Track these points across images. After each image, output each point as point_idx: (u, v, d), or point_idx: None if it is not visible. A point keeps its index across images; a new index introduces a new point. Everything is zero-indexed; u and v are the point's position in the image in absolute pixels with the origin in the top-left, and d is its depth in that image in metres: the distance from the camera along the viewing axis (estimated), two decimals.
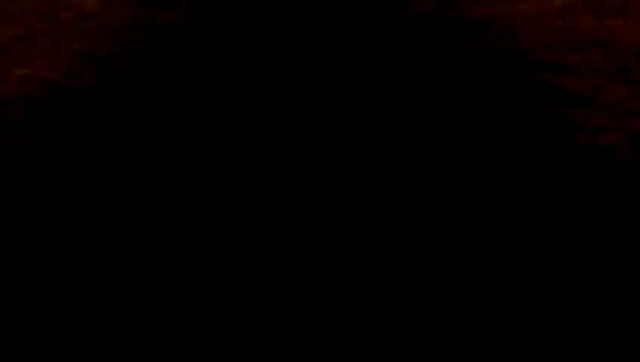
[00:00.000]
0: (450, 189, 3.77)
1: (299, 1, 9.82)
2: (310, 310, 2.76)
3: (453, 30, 7.73)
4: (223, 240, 3.28)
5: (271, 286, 2.92)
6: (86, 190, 3.80)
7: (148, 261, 3.10)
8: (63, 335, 2.60)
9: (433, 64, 6.33)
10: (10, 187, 3.85)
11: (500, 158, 4.16)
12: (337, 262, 3.09)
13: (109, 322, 2.68)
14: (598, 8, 8.60)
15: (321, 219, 3.48)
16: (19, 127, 4.79)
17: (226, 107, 5.21)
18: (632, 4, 8.75)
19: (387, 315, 2.72)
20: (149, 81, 5.91)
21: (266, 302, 2.81)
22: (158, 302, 2.80)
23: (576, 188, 3.75)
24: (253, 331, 2.63)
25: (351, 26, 8.14)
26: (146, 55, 6.79)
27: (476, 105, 5.16)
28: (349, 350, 2.53)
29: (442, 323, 2.67)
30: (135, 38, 7.53)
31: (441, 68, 6.20)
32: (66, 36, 7.50)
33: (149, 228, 3.39)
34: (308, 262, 3.09)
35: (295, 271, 3.02)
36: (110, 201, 3.67)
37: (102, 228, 3.38)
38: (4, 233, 3.34)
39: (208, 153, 4.31)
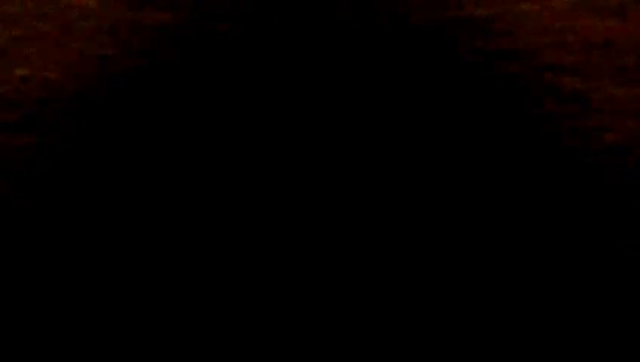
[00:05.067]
0: (450, 188, 3.77)
1: (298, 1, 9.82)
2: (310, 309, 2.76)
3: (453, 30, 7.73)
4: (223, 240, 3.28)
5: (270, 285, 2.92)
6: (86, 190, 3.80)
7: (148, 261, 3.10)
8: (63, 335, 2.60)
9: (434, 64, 6.33)
10: (10, 187, 3.85)
11: (500, 158, 4.16)
12: (337, 262, 3.09)
13: (109, 322, 2.68)
14: (598, 8, 8.60)
15: (321, 219, 3.48)
16: (19, 127, 4.79)
17: (226, 106, 5.21)
18: (631, 5, 8.75)
19: (387, 314, 2.72)
20: (149, 80, 5.91)
21: (266, 301, 2.81)
22: (158, 302, 2.80)
23: (576, 188, 3.75)
24: (253, 331, 2.63)
25: (351, 26, 8.14)
26: (146, 55, 6.79)
27: (476, 104, 5.16)
28: (348, 350, 2.53)
29: (441, 322, 2.67)
30: (135, 38, 7.53)
31: (441, 68, 6.20)
32: (66, 36, 7.50)
33: (149, 227, 3.39)
34: (308, 261, 3.09)
35: (295, 271, 3.02)
36: (110, 201, 3.67)
37: (102, 228, 3.38)
38: (4, 233, 3.34)
39: (208, 153, 4.31)
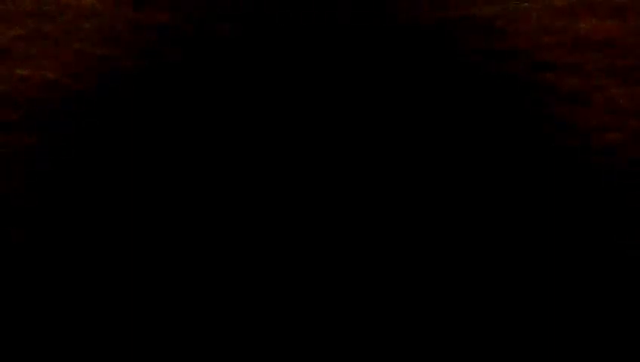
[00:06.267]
0: (450, 188, 3.77)
1: (298, 2, 9.82)
2: (310, 309, 2.76)
3: (453, 30, 7.73)
4: (224, 240, 3.28)
5: (270, 285, 2.92)
6: (86, 190, 3.80)
7: (148, 261, 3.10)
8: (63, 335, 2.60)
9: (434, 64, 6.33)
10: (10, 187, 3.85)
11: (500, 158, 4.16)
12: (336, 262, 3.09)
13: (109, 322, 2.68)
14: (598, 8, 8.60)
15: (321, 219, 3.48)
16: (19, 127, 4.79)
17: (226, 106, 5.21)
18: (632, 5, 8.75)
19: (387, 314, 2.72)
20: (149, 80, 5.91)
21: (266, 301, 2.81)
22: (158, 302, 2.80)
23: (576, 188, 3.75)
24: (253, 331, 2.63)
25: (351, 26, 8.14)
26: (146, 55, 6.79)
27: (477, 104, 5.16)
28: (348, 350, 2.53)
29: (441, 322, 2.67)
30: (135, 38, 7.53)
31: (441, 68, 6.20)
32: (66, 36, 7.50)
33: (149, 228, 3.39)
34: (307, 261, 3.09)
35: (295, 271, 3.02)
36: (110, 201, 3.67)
37: (102, 228, 3.39)
38: (4, 233, 3.34)
39: (208, 152, 4.31)
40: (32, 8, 8.94)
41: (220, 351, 2.52)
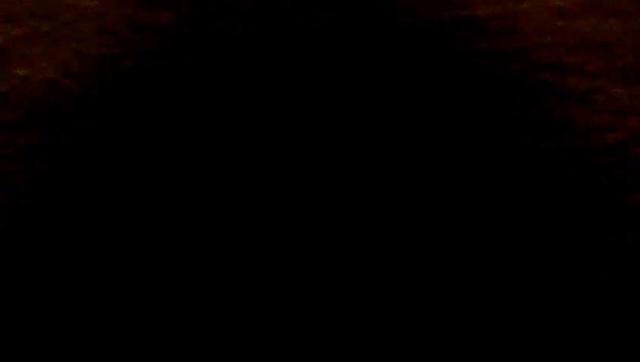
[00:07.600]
0: (450, 190, 3.77)
1: (298, 2, 9.82)
2: (310, 310, 2.76)
3: (453, 30, 7.73)
4: (224, 240, 3.28)
5: (271, 286, 2.92)
6: (86, 190, 3.80)
7: (148, 261, 3.10)
8: (62, 335, 2.60)
9: (434, 64, 6.33)
10: (10, 187, 3.85)
11: (501, 158, 4.16)
12: (336, 263, 3.09)
13: (109, 322, 2.68)
14: (599, 8, 8.60)
15: (321, 220, 3.47)
16: (19, 127, 4.79)
17: (225, 107, 5.21)
18: (632, 5, 8.75)
19: (386, 315, 2.72)
20: (149, 80, 5.91)
21: (266, 301, 2.81)
22: (159, 302, 2.80)
23: (576, 188, 3.75)
24: (253, 331, 2.63)
25: (351, 26, 8.14)
26: (146, 55, 6.79)
27: (477, 105, 5.16)
28: (348, 350, 2.53)
29: (438, 322, 2.67)
30: (135, 38, 7.53)
31: (441, 68, 6.20)
32: (66, 36, 7.50)
33: (149, 228, 3.39)
34: (307, 262, 3.09)
35: (295, 271, 3.02)
36: (110, 201, 3.67)
37: (102, 228, 3.38)
38: (4, 233, 3.34)
39: (208, 152, 4.31)
40: (32, 8, 8.94)
41: (219, 350, 2.52)
